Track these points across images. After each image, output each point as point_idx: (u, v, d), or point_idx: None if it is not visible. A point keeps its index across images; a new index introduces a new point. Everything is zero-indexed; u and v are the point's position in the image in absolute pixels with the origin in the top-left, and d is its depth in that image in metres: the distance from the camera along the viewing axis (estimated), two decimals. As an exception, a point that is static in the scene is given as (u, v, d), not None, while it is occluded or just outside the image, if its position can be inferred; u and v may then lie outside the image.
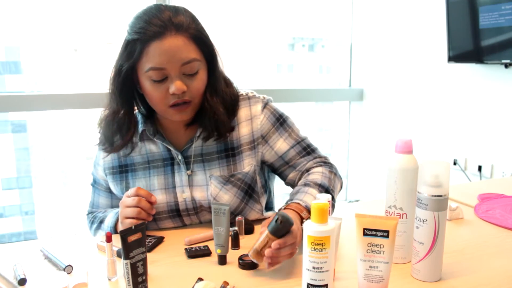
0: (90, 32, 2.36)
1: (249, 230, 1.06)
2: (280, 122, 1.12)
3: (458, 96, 2.36)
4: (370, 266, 0.75)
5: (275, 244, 0.82)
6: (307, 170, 1.08)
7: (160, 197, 1.07)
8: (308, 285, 0.72)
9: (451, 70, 2.38)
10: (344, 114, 3.19)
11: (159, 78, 0.96)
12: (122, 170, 1.10)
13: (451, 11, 2.19)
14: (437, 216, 0.79)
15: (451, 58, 2.25)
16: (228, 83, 1.11)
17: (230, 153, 1.08)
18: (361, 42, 3.01)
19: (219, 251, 0.89)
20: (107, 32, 2.40)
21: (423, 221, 0.80)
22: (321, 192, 1.01)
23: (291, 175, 1.11)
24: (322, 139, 3.32)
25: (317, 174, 1.05)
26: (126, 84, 1.01)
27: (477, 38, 2.11)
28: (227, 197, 1.06)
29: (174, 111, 1.00)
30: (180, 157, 1.07)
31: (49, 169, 2.49)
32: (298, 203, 0.95)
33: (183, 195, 1.07)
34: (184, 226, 1.12)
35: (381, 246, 0.74)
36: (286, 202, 0.98)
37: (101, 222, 1.12)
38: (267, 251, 0.83)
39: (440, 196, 0.79)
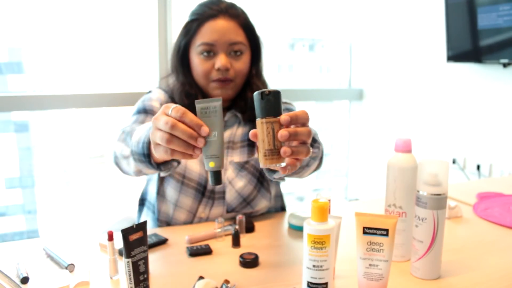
0: (92, 32, 2.36)
1: (250, 229, 1.07)
2: (288, 110, 1.20)
3: (457, 96, 2.37)
4: (370, 265, 0.75)
5: (285, 117, 0.65)
6: None
7: (195, 166, 1.12)
8: (308, 283, 0.72)
9: (450, 70, 2.38)
10: (344, 114, 3.19)
11: (208, 54, 1.08)
12: None
13: (450, 12, 2.20)
14: (436, 214, 0.80)
15: (450, 58, 2.25)
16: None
17: (251, 142, 1.16)
18: (360, 42, 3.02)
19: (212, 164, 0.68)
20: (109, 32, 2.40)
21: (422, 220, 0.81)
22: None
23: None
24: (322, 139, 3.32)
25: None
26: (185, 59, 1.13)
27: (475, 38, 2.11)
28: (242, 183, 1.13)
29: (216, 85, 1.11)
30: None
31: (52, 168, 2.49)
32: None
33: None
34: (190, 222, 1.14)
35: (381, 244, 0.74)
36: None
37: (129, 134, 0.96)
38: (281, 134, 0.65)
39: (439, 194, 0.79)
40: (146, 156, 0.83)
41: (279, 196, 1.28)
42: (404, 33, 2.66)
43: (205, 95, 1.15)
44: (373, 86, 2.96)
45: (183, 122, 0.68)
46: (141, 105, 1.14)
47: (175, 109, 0.69)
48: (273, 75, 3.01)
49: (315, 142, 0.97)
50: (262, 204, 1.16)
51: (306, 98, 2.94)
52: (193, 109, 0.71)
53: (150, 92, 1.20)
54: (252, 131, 0.69)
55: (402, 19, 2.67)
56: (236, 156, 1.15)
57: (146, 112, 1.11)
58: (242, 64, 1.11)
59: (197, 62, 1.10)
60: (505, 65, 2.08)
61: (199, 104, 0.69)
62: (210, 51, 1.08)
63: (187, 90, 1.12)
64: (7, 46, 2.23)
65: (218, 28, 1.07)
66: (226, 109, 1.18)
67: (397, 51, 2.73)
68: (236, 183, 1.13)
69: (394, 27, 2.73)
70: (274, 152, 0.64)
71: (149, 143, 0.81)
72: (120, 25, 2.42)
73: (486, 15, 2.03)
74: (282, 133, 0.64)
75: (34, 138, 2.45)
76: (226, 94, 1.12)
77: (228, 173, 1.13)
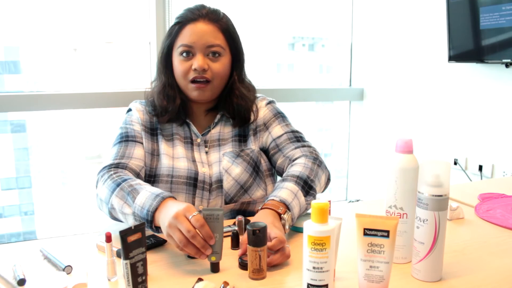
0: (90, 32, 2.36)
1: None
2: (281, 115, 1.27)
3: (459, 96, 2.36)
4: (371, 266, 0.74)
5: (269, 248, 0.86)
6: (293, 160, 1.16)
7: (182, 164, 1.16)
8: (309, 285, 0.71)
9: (451, 70, 2.37)
10: (345, 114, 3.19)
11: (186, 55, 1.14)
12: (153, 133, 1.21)
13: (452, 12, 2.19)
14: (438, 216, 0.79)
15: (452, 58, 2.24)
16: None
17: (242, 138, 1.23)
18: (361, 42, 3.01)
19: (213, 258, 0.86)
20: (106, 31, 2.40)
21: (423, 221, 0.80)
22: (298, 184, 1.05)
23: (280, 161, 1.20)
24: (322, 139, 3.31)
25: (298, 165, 1.11)
26: (168, 60, 1.19)
27: (477, 38, 2.10)
28: (238, 170, 1.16)
29: (194, 86, 1.15)
30: (199, 139, 1.21)
31: (49, 169, 2.48)
32: (273, 199, 0.99)
33: (203, 169, 1.17)
34: None
35: (382, 246, 0.73)
36: (264, 201, 1.02)
37: (130, 194, 0.98)
38: (269, 260, 0.86)
39: (441, 196, 0.79)
40: (148, 222, 0.93)
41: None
42: (406, 33, 2.65)
43: (184, 96, 1.20)
44: (374, 86, 2.95)
45: (200, 230, 0.84)
46: (124, 130, 1.19)
47: (195, 218, 0.84)
48: (273, 75, 3.01)
49: (311, 189, 1.06)
50: (258, 192, 1.20)
51: (306, 98, 2.93)
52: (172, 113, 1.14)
53: (130, 111, 1.25)
54: (242, 250, 0.88)
55: (403, 18, 2.66)
56: (229, 148, 1.20)
57: (128, 139, 1.16)
58: (219, 65, 1.16)
59: (177, 63, 1.16)
60: (507, 65, 2.08)
61: (205, 211, 0.86)
62: (189, 52, 1.14)
63: (167, 91, 1.19)
64: (4, 45, 2.22)
65: (197, 31, 1.14)
66: (212, 109, 1.23)
67: (398, 51, 2.72)
68: (232, 171, 1.16)
69: (395, 26, 2.73)
70: (259, 271, 0.84)
71: (154, 212, 0.92)
72: (118, 23, 2.41)
73: (488, 15, 2.02)
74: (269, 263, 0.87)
75: (31, 138, 2.45)
76: (204, 95, 1.17)
77: (223, 164, 1.17)
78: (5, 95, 2.10)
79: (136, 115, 1.22)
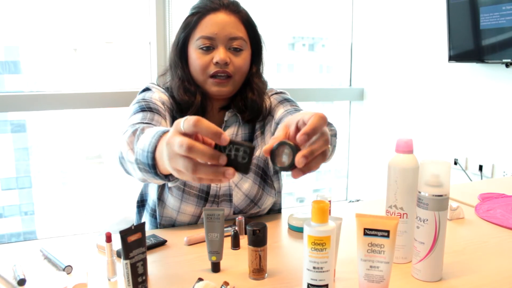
0: (90, 32, 2.36)
1: (249, 230, 1.06)
2: (287, 100, 1.18)
3: (459, 96, 2.36)
4: (371, 266, 0.74)
5: (302, 137, 0.61)
6: None
7: None
8: (309, 285, 0.71)
9: (451, 70, 2.37)
10: (345, 114, 3.19)
11: (207, 47, 1.06)
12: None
13: (452, 12, 2.19)
14: (438, 215, 0.79)
15: (452, 58, 2.24)
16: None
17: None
18: (361, 42, 3.01)
19: (214, 258, 0.86)
20: (106, 31, 2.40)
21: (423, 221, 0.80)
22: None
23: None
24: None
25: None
26: (184, 53, 1.10)
27: (477, 38, 2.10)
28: (248, 184, 1.12)
29: (214, 81, 1.07)
30: None
31: (49, 169, 2.48)
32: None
33: None
34: (195, 223, 1.13)
35: (382, 246, 0.73)
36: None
37: (138, 137, 0.79)
38: (297, 160, 0.61)
39: (441, 195, 0.78)
40: (151, 167, 0.72)
41: (279, 192, 1.27)
42: (406, 32, 2.65)
43: (203, 91, 1.11)
44: (374, 85, 2.95)
45: (200, 133, 0.60)
46: (144, 103, 1.02)
47: (186, 121, 0.59)
48: (273, 75, 3.01)
49: (328, 124, 1.01)
50: (268, 201, 1.16)
51: (306, 98, 2.93)
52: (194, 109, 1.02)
53: (148, 90, 1.11)
54: (265, 149, 0.66)
55: (403, 18, 2.66)
56: None
57: (151, 110, 1.00)
58: (241, 60, 1.08)
59: (195, 56, 1.07)
60: (507, 65, 2.08)
61: (206, 211, 0.85)
62: (209, 45, 1.06)
63: (186, 86, 1.09)
64: (4, 45, 2.22)
65: (219, 21, 1.05)
66: (224, 108, 1.16)
67: (398, 51, 2.72)
68: (242, 185, 1.12)
69: (396, 26, 2.73)
70: (260, 271, 0.83)
71: (153, 153, 0.70)
72: (118, 23, 2.41)
73: (488, 15, 2.02)
74: (299, 159, 0.61)
75: (31, 138, 2.45)
76: (224, 91, 1.08)
77: (234, 177, 1.11)
78: (5, 95, 2.10)
79: (158, 95, 1.09)
